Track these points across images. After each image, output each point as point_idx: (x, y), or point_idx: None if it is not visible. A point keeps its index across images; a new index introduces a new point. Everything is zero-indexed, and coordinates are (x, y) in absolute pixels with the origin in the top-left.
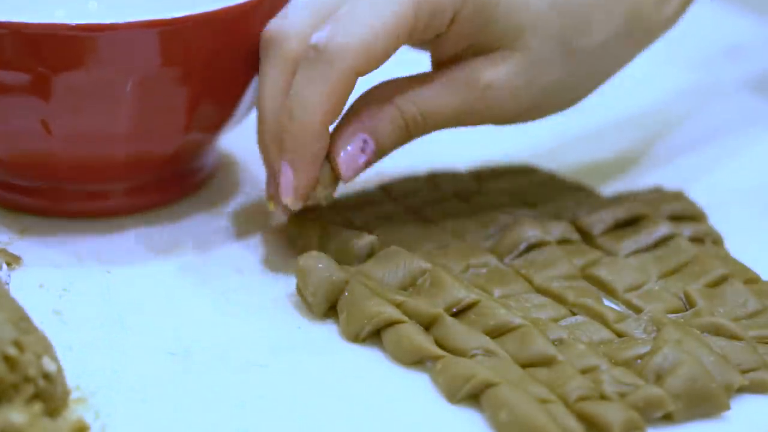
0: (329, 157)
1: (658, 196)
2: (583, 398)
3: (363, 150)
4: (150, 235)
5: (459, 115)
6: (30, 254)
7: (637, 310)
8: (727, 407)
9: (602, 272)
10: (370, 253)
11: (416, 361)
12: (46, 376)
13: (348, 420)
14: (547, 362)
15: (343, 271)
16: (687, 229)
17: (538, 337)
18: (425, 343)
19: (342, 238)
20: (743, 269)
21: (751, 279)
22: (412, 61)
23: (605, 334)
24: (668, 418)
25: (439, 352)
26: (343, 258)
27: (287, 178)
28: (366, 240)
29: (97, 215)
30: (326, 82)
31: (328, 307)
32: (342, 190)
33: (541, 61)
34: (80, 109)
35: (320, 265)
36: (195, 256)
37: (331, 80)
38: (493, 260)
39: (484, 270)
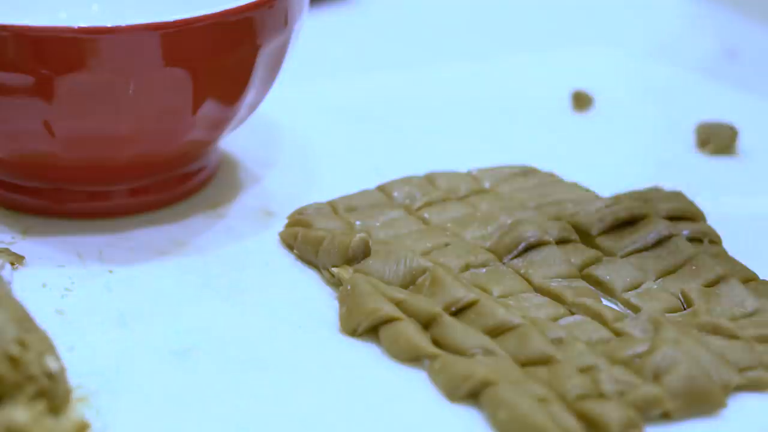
0: None
1: (656, 195)
2: (581, 397)
3: None
4: (152, 235)
5: None
6: (33, 254)
7: (636, 310)
8: (725, 405)
9: (601, 272)
10: (366, 251)
11: (412, 358)
12: (49, 375)
13: (348, 419)
14: (546, 361)
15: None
16: (685, 229)
17: (537, 337)
18: (421, 341)
19: (337, 238)
20: (741, 268)
21: (748, 278)
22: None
23: (604, 333)
24: (666, 417)
25: (436, 350)
26: (339, 258)
27: None
28: (358, 238)
29: (100, 215)
30: None
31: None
32: (342, 190)
33: None
34: (82, 110)
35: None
36: (196, 256)
37: None
38: (492, 260)
39: (483, 270)
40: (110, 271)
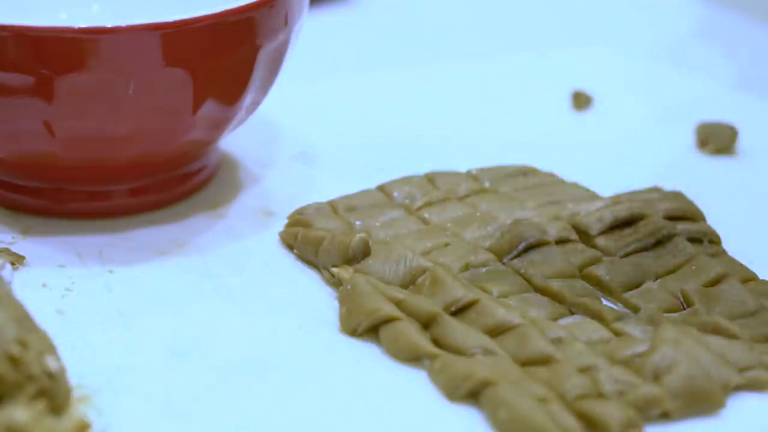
0: None
1: (656, 195)
2: (581, 397)
3: None
4: (152, 235)
5: None
6: (33, 254)
7: (635, 309)
8: (724, 405)
9: (600, 271)
10: (366, 251)
11: (412, 358)
12: (49, 375)
13: (348, 419)
14: (545, 361)
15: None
16: (685, 229)
17: (537, 336)
18: (421, 341)
19: (337, 238)
20: (741, 268)
21: (748, 278)
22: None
23: (603, 333)
24: (666, 417)
25: (435, 350)
26: (339, 258)
27: None
28: (358, 238)
29: (100, 215)
30: None
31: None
32: (342, 190)
33: None
34: (83, 110)
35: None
36: (196, 256)
37: None
38: (492, 260)
39: (483, 269)
40: (110, 271)
